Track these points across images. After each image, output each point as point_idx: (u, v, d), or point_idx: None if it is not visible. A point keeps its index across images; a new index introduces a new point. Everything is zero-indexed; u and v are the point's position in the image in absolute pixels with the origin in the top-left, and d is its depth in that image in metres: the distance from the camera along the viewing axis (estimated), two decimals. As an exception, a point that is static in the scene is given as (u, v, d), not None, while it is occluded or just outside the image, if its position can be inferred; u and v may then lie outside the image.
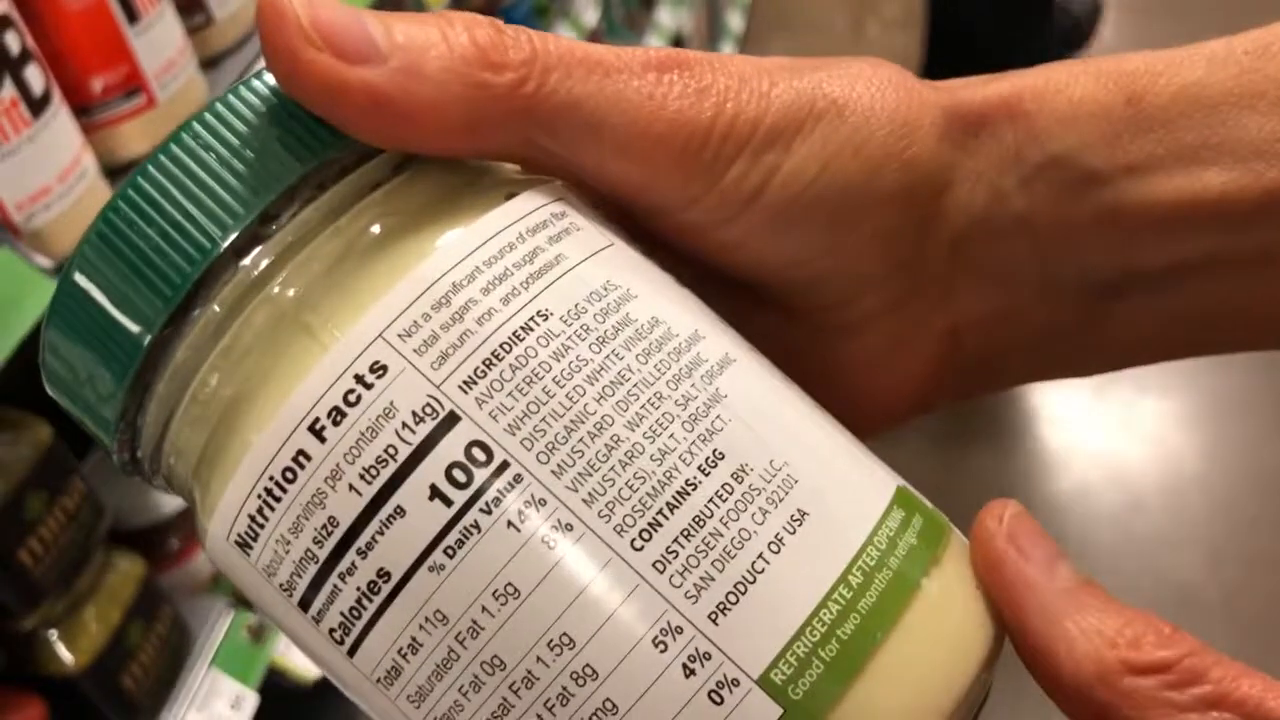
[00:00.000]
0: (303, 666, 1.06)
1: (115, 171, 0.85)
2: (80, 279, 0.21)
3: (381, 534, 0.19)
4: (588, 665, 0.19)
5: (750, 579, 0.19)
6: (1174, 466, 1.68)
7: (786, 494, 0.20)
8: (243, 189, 0.20)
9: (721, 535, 0.19)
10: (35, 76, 0.73)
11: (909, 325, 0.26)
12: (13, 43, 0.72)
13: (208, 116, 0.21)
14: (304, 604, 0.20)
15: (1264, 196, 0.24)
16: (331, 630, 0.20)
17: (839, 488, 0.21)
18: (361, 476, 0.19)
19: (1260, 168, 0.24)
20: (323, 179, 0.21)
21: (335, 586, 0.19)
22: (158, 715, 0.88)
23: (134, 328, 0.20)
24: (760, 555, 0.19)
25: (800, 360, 0.24)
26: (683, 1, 2.28)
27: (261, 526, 0.20)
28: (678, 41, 2.19)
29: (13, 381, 0.74)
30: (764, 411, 0.21)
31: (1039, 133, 0.25)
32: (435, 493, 0.19)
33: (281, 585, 0.20)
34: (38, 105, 0.73)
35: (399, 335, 0.19)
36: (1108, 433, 1.73)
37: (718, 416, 0.20)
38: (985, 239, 0.26)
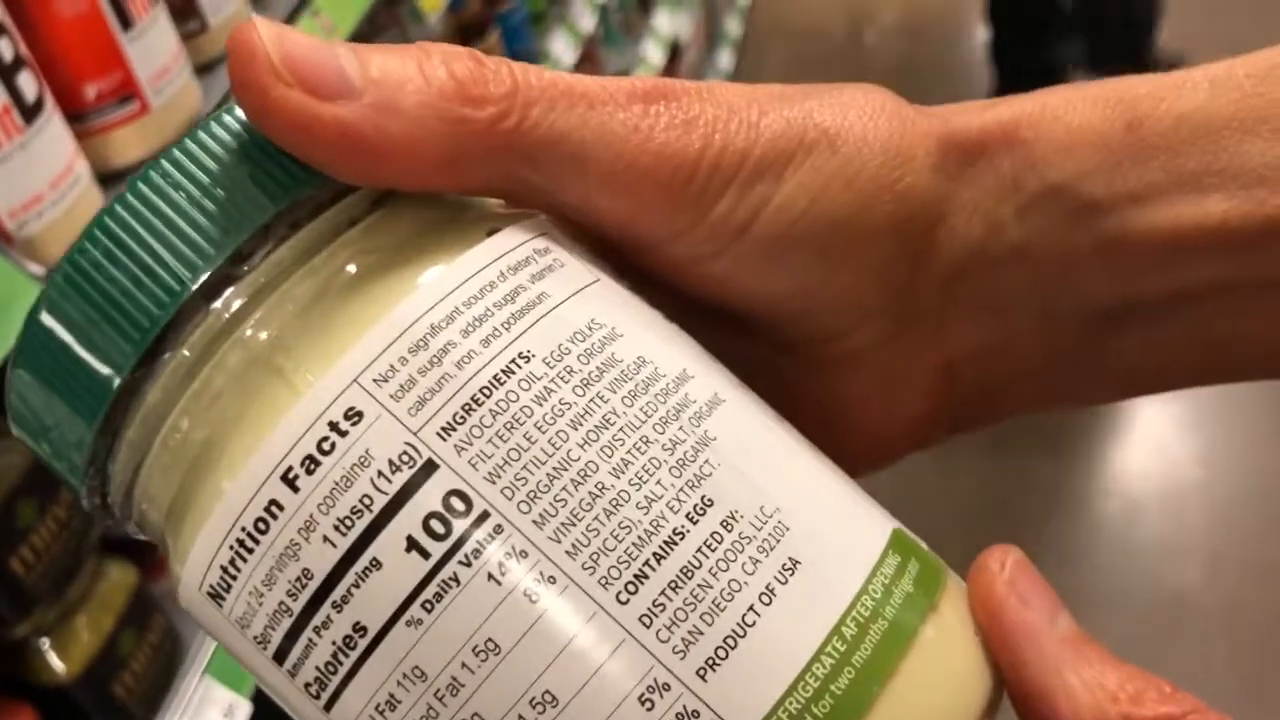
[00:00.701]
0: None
1: (108, 178, 0.85)
2: (47, 320, 0.20)
3: (357, 587, 0.18)
4: None
5: (740, 633, 0.18)
6: (1173, 472, 1.68)
7: (778, 542, 0.19)
8: (213, 228, 0.19)
9: (710, 587, 0.18)
10: (28, 83, 0.73)
11: (903, 359, 0.26)
12: (5, 49, 0.71)
13: (177, 154, 0.20)
14: (279, 657, 0.19)
15: (1266, 224, 0.24)
16: (307, 685, 0.19)
17: (832, 534, 0.20)
18: (336, 528, 0.18)
19: (1263, 195, 0.24)
20: (296, 217, 0.20)
21: (310, 640, 0.19)
22: (150, 724, 0.88)
23: (103, 371, 0.20)
24: (751, 607, 0.18)
25: (792, 395, 0.24)
26: (680, 6, 2.27)
27: (234, 578, 0.19)
28: (675, 47, 2.18)
29: (2, 389, 0.73)
30: (754, 454, 0.20)
31: (1037, 161, 0.24)
32: (412, 544, 0.18)
33: (255, 638, 0.19)
34: (30, 112, 0.73)
35: (374, 380, 0.19)
36: (1106, 439, 1.73)
37: (706, 461, 0.19)
38: (981, 270, 0.25)
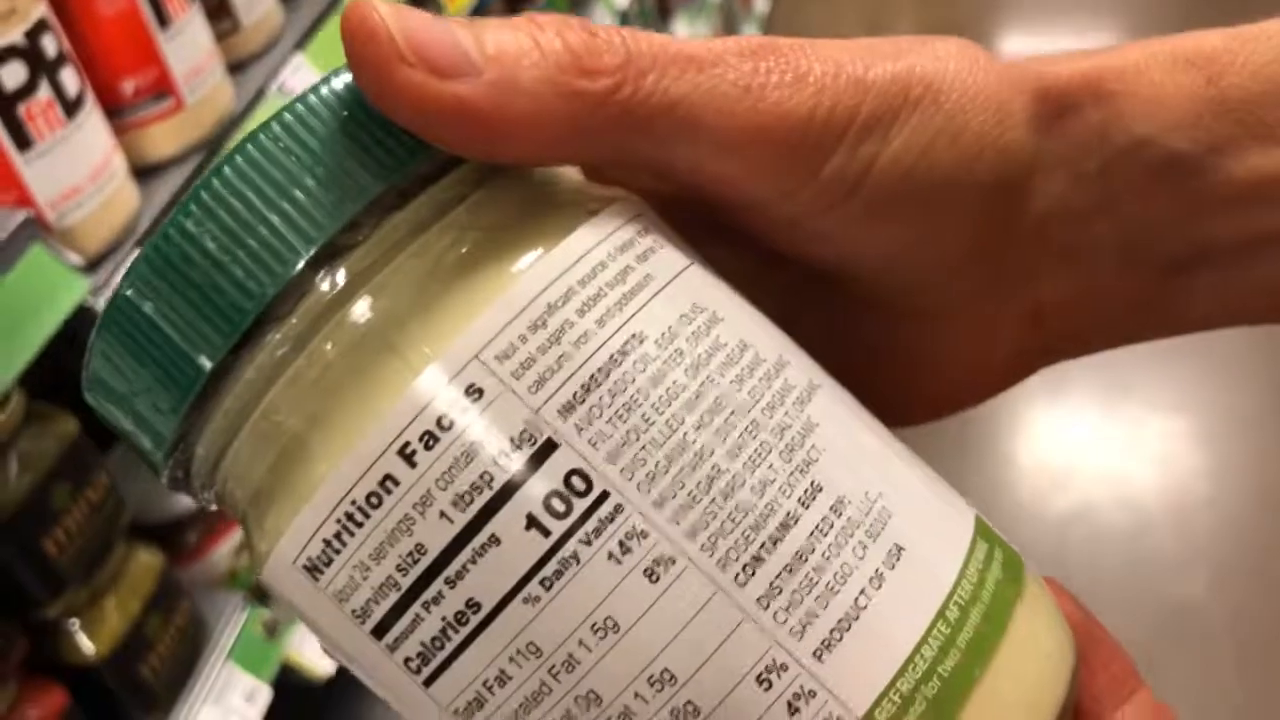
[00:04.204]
0: (315, 663, 1.07)
1: (142, 172, 0.85)
2: (135, 295, 0.19)
3: (473, 563, 0.18)
4: (689, 702, 0.18)
5: (854, 615, 0.18)
6: (1181, 485, 1.68)
7: (883, 528, 0.19)
8: (324, 200, 0.19)
9: (824, 570, 0.19)
10: (70, 79, 0.74)
11: (993, 309, 0.26)
12: (50, 46, 0.72)
13: (285, 119, 0.19)
14: (378, 631, 0.19)
15: None
16: (408, 659, 0.19)
17: (929, 520, 0.20)
18: (454, 504, 0.18)
19: None
20: (406, 189, 0.20)
21: (417, 615, 0.19)
22: (174, 707, 0.88)
23: (197, 354, 0.19)
24: (863, 591, 0.19)
25: (876, 348, 0.24)
26: (699, 15, 2.27)
27: (337, 552, 0.19)
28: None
29: (42, 375, 0.74)
30: (853, 441, 0.20)
31: (1124, 115, 0.25)
32: (533, 522, 0.18)
33: (354, 611, 0.19)
34: (72, 107, 0.74)
35: (495, 357, 0.19)
36: (1114, 452, 1.72)
37: (813, 446, 0.19)
38: (1067, 222, 0.25)
